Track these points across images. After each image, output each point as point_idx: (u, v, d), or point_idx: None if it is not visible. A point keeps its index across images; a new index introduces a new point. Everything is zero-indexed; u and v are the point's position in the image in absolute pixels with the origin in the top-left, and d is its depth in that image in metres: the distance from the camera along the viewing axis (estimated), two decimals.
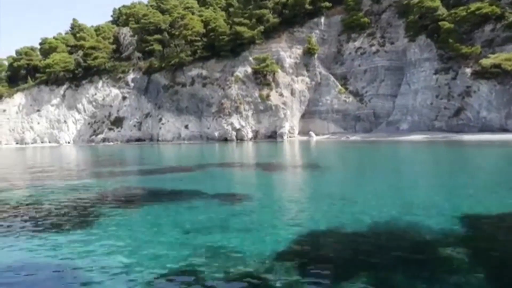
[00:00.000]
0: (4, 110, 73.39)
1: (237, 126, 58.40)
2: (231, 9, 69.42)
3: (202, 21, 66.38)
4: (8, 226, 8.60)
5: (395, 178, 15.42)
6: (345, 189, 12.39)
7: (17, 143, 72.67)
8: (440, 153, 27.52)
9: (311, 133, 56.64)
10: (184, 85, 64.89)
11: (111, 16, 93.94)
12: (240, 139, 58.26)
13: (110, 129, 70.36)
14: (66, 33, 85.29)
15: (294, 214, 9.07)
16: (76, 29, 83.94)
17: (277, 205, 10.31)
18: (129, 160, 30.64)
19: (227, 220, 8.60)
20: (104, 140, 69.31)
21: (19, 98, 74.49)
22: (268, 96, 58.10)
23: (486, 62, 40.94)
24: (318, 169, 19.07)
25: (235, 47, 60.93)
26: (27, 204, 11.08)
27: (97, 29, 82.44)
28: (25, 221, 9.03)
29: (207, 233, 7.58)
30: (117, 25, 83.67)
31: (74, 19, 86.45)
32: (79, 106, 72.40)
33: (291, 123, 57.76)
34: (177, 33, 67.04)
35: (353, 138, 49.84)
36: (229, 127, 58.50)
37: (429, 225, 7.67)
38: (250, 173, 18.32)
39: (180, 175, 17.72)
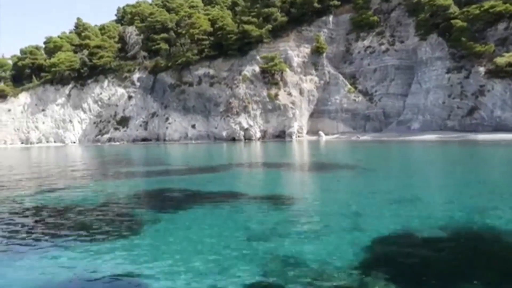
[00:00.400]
0: (9, 110, 72.78)
1: (245, 126, 57.92)
2: (237, 8, 68.92)
3: (209, 19, 65.84)
4: (52, 235, 8.11)
5: (437, 178, 14.95)
6: (393, 190, 11.79)
7: (22, 143, 72.09)
8: (464, 153, 27.00)
9: (321, 132, 56.13)
10: (191, 84, 64.36)
11: (115, 15, 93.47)
12: (248, 138, 57.77)
13: (116, 128, 69.79)
14: (71, 32, 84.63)
15: (354, 217, 8.49)
16: (80, 28, 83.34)
17: (330, 207, 9.74)
18: (143, 160, 30.11)
19: (286, 224, 8.07)
20: (110, 140, 68.72)
21: (24, 97, 73.87)
22: (276, 95, 57.63)
23: (500, 60, 40.49)
24: (346, 169, 18.56)
25: (242, 46, 60.41)
26: (65, 209, 10.56)
27: (102, 28, 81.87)
28: (71, 227, 8.54)
29: (271, 240, 7.04)
30: (122, 24, 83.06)
31: (78, 18, 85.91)
32: (85, 105, 71.83)
33: (299, 122, 57.27)
34: (183, 32, 66.51)
35: (364, 137, 49.36)
36: (237, 127, 58.01)
37: (505, 227, 7.20)
38: (278, 173, 17.78)
39: (207, 176, 17.20)
